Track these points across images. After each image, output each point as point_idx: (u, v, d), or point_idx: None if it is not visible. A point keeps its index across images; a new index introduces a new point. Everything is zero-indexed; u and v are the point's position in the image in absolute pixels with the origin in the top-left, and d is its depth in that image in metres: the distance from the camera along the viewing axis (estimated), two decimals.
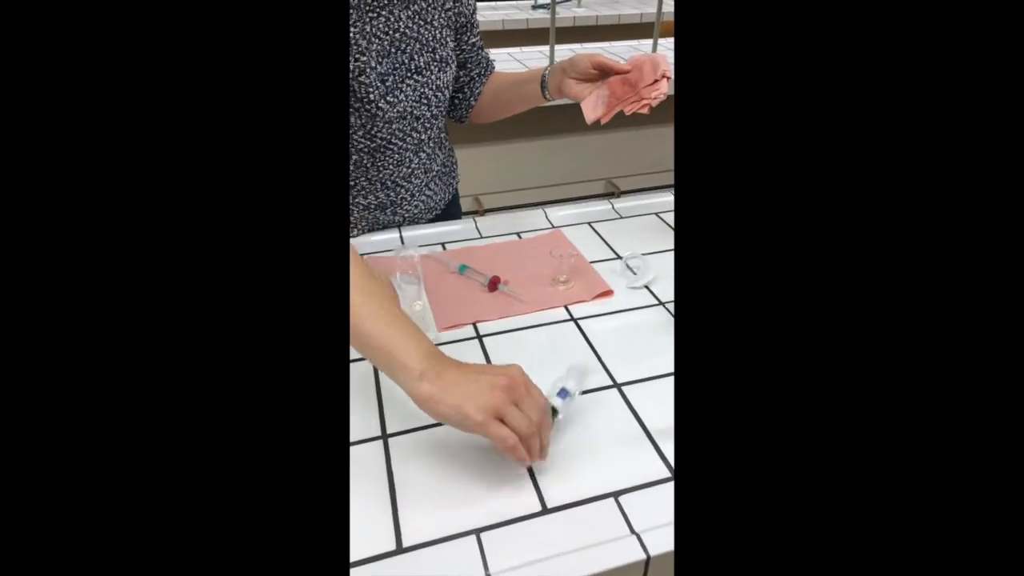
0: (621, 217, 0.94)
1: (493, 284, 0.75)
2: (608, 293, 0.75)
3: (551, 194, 2.03)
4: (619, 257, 0.83)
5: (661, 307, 0.73)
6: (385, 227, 0.93)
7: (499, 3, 3.20)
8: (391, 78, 0.79)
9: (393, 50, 0.79)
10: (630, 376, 0.62)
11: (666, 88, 0.71)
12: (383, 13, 0.77)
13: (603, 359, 0.64)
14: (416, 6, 0.81)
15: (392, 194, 0.88)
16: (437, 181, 0.94)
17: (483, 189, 1.94)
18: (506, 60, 2.11)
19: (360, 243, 0.87)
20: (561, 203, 2.01)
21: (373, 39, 0.77)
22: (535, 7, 2.99)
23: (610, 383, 0.61)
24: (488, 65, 0.97)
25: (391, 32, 0.79)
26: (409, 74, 0.81)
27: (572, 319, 0.71)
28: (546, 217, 0.94)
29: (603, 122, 0.74)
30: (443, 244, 0.88)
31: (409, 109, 0.82)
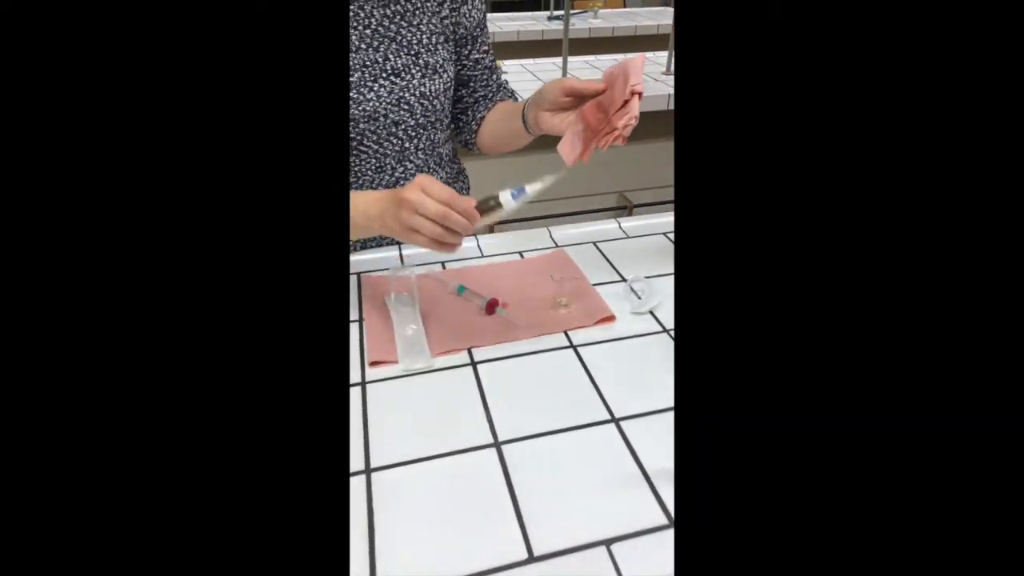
0: (628, 237, 0.91)
1: (491, 307, 0.73)
2: (610, 319, 0.72)
3: (561, 207, 2.00)
4: (624, 280, 0.80)
5: (665, 335, 0.70)
6: (381, 242, 0.90)
7: (515, 14, 3.20)
8: (357, 75, 0.77)
9: (363, 47, 0.77)
10: (629, 410, 0.59)
11: (636, 111, 0.61)
12: (351, 7, 0.76)
13: (601, 390, 0.61)
14: (397, 7, 0.79)
15: None
16: None
17: None
18: (519, 72, 2.09)
19: (358, 260, 0.85)
20: (568, 216, 1.98)
21: None
22: (551, 18, 2.98)
23: (607, 417, 0.58)
24: (498, 91, 0.91)
25: (359, 27, 0.77)
26: (383, 74, 0.78)
27: (571, 346, 0.68)
28: (550, 236, 0.91)
29: (584, 160, 0.66)
30: (443, 263, 0.85)
31: (382, 111, 0.79)
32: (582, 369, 0.64)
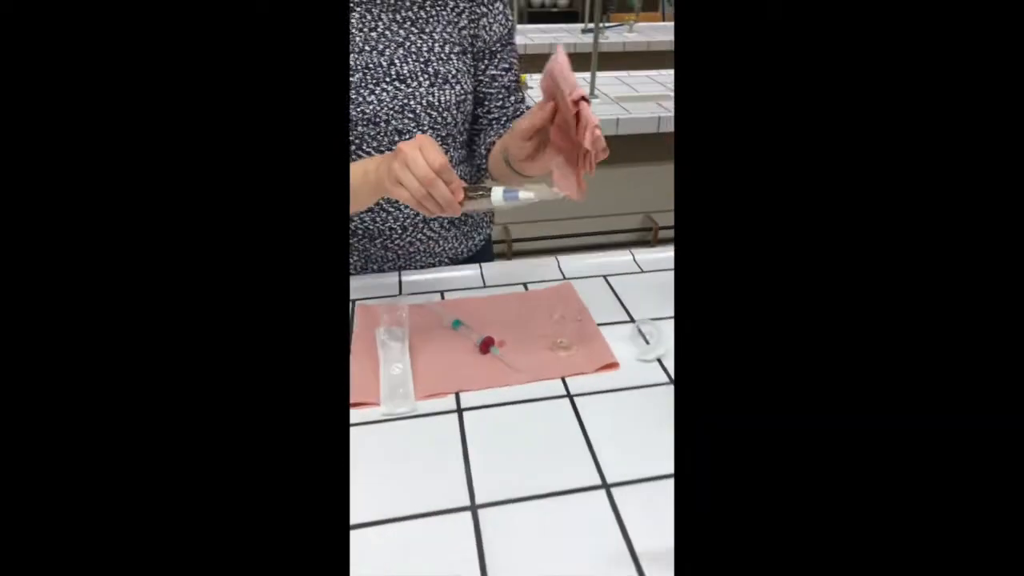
0: (642, 271, 0.86)
1: (485, 346, 0.68)
2: (612, 366, 0.66)
3: (582, 227, 1.95)
4: (632, 321, 0.74)
5: (671, 387, 0.64)
6: (383, 266, 0.87)
7: (549, 25, 3.16)
8: (358, 76, 0.74)
9: (367, 48, 0.74)
10: (623, 475, 0.53)
11: (593, 118, 0.52)
12: (358, 9, 0.74)
13: (594, 449, 0.56)
14: (408, 13, 0.76)
15: (378, 220, 0.81)
16: (447, 226, 0.87)
17: (514, 218, 1.88)
18: None
19: (355, 285, 0.82)
20: (588, 237, 1.92)
21: None
22: (584, 31, 2.93)
23: (598, 482, 0.53)
24: (514, 116, 0.85)
25: (364, 29, 0.74)
26: (387, 79, 0.75)
27: (567, 395, 0.63)
28: (559, 267, 0.86)
29: (582, 188, 0.58)
30: (442, 293, 0.81)
31: (383, 116, 0.76)
32: (576, 423, 0.59)
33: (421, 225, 0.84)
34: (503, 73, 0.84)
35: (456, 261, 0.91)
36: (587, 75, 1.91)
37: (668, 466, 0.54)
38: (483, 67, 0.83)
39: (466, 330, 0.71)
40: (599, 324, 0.73)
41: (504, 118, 0.86)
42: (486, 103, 0.85)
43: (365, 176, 0.67)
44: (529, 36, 2.79)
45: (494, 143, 0.84)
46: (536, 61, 2.69)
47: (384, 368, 0.65)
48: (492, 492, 0.52)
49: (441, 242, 0.87)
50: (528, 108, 0.88)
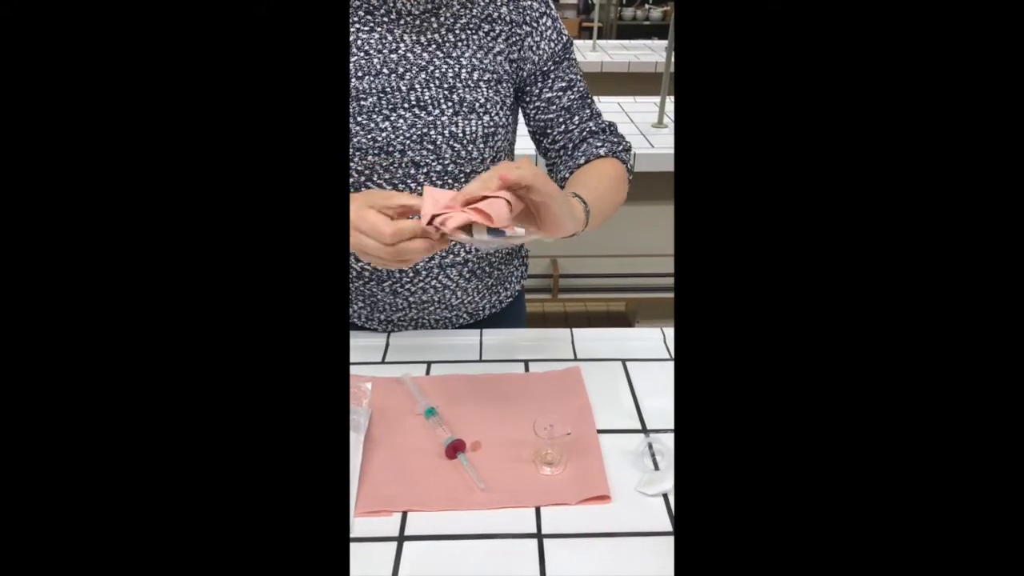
0: (671, 358, 0.71)
1: (452, 450, 0.56)
2: (603, 499, 0.53)
3: (649, 265, 1.78)
4: (644, 430, 0.60)
5: (671, 538, 0.50)
6: (392, 316, 0.76)
7: (630, 41, 3.00)
8: (371, 100, 0.66)
9: (385, 71, 0.67)
10: None
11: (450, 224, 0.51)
12: (378, 30, 0.67)
13: None
14: (435, 36, 0.68)
15: None
16: (467, 275, 0.75)
17: (563, 251, 1.74)
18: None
19: None
20: (647, 279, 1.74)
21: (356, 50, 0.67)
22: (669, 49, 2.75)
23: None
24: (583, 140, 0.72)
25: (384, 50, 0.67)
26: (405, 104, 0.67)
27: (537, 534, 0.50)
28: (572, 344, 0.73)
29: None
30: (429, 364, 0.70)
31: (398, 146, 0.67)
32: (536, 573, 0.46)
33: (436, 271, 0.73)
34: (560, 94, 0.72)
35: (477, 317, 0.79)
36: (656, 98, 1.75)
37: None
38: (537, 91, 0.72)
39: (437, 422, 0.59)
40: (602, 431, 0.60)
41: (571, 144, 0.73)
42: (549, 131, 0.74)
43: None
44: (610, 53, 2.65)
45: (567, 180, 0.71)
46: (611, 82, 2.50)
47: None
48: None
49: (460, 293, 0.76)
50: (607, 125, 0.74)
